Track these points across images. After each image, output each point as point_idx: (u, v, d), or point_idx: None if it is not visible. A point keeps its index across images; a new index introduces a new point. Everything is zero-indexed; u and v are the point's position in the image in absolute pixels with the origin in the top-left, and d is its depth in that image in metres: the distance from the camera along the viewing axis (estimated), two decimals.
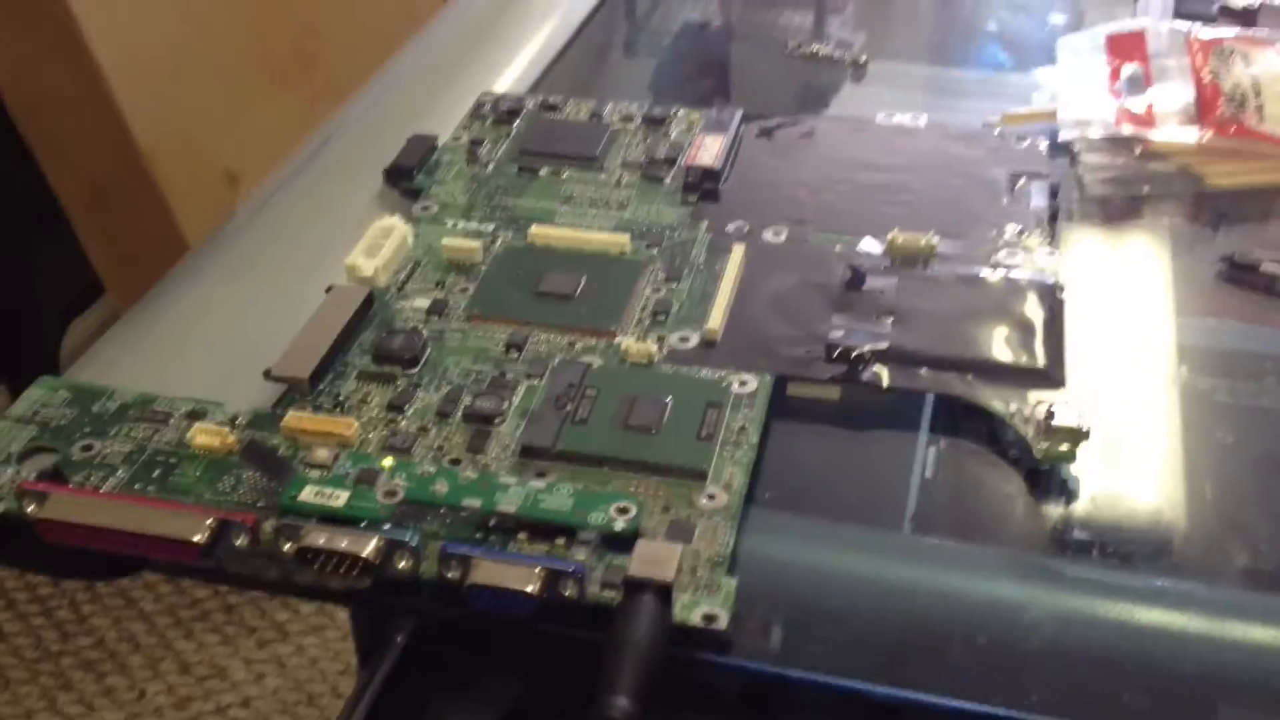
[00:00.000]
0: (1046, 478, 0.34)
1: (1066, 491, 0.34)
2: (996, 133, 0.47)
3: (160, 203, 0.96)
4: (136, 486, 0.32)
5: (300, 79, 1.04)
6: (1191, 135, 0.45)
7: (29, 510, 0.30)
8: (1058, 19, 0.59)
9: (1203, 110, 0.46)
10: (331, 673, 0.98)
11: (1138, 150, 0.45)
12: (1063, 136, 0.46)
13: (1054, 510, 0.34)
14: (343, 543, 0.29)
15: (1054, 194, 0.43)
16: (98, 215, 0.97)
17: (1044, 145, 0.46)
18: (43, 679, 0.98)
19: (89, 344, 1.19)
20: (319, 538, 0.30)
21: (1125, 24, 0.51)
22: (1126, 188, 0.45)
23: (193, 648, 1.00)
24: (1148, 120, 0.46)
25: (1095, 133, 0.46)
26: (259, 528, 0.30)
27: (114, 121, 0.93)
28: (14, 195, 1.03)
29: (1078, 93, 0.48)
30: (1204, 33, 0.50)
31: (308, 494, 0.31)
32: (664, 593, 0.29)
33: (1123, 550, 0.32)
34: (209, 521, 0.30)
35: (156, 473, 0.32)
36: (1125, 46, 0.50)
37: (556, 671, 0.41)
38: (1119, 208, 0.44)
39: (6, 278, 1.06)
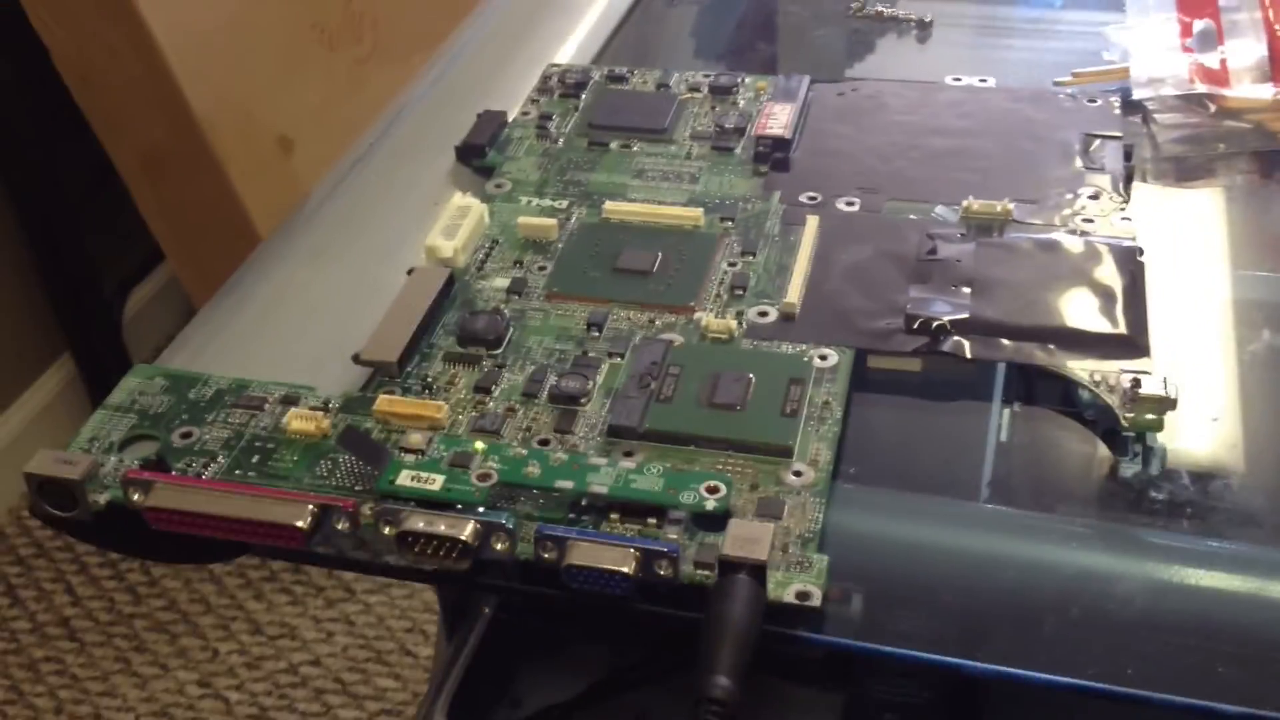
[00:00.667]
0: (1122, 441, 0.34)
1: (1143, 455, 0.34)
2: (1068, 93, 0.46)
3: (216, 169, 0.97)
4: (237, 473, 0.33)
5: (350, 41, 1.04)
6: (1266, 92, 0.45)
7: (135, 499, 0.31)
8: None
9: (1276, 66, 0.46)
10: (399, 630, 1.00)
11: (1212, 108, 0.45)
12: (1135, 95, 0.46)
13: (1131, 477, 0.34)
14: (441, 526, 0.30)
15: (1128, 155, 0.43)
16: (154, 184, 0.98)
17: (1116, 105, 0.45)
18: (117, 641, 1.01)
19: (149, 311, 1.20)
20: (418, 522, 0.30)
21: None
22: (1201, 146, 0.45)
23: (263, 608, 1.02)
24: (1221, 77, 0.46)
25: (1168, 91, 0.45)
26: (358, 512, 0.31)
27: (169, 90, 0.93)
28: (71, 167, 1.04)
29: (1149, 50, 0.47)
30: None
31: (404, 478, 0.32)
32: (758, 571, 0.29)
33: (1203, 514, 0.32)
34: (311, 507, 0.31)
35: (255, 459, 0.33)
36: (1196, 1, 0.49)
37: (642, 641, 0.42)
38: (1194, 167, 0.44)
39: (66, 249, 1.07)
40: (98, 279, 1.10)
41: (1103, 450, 0.34)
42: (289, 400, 0.35)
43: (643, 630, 0.43)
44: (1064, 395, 0.36)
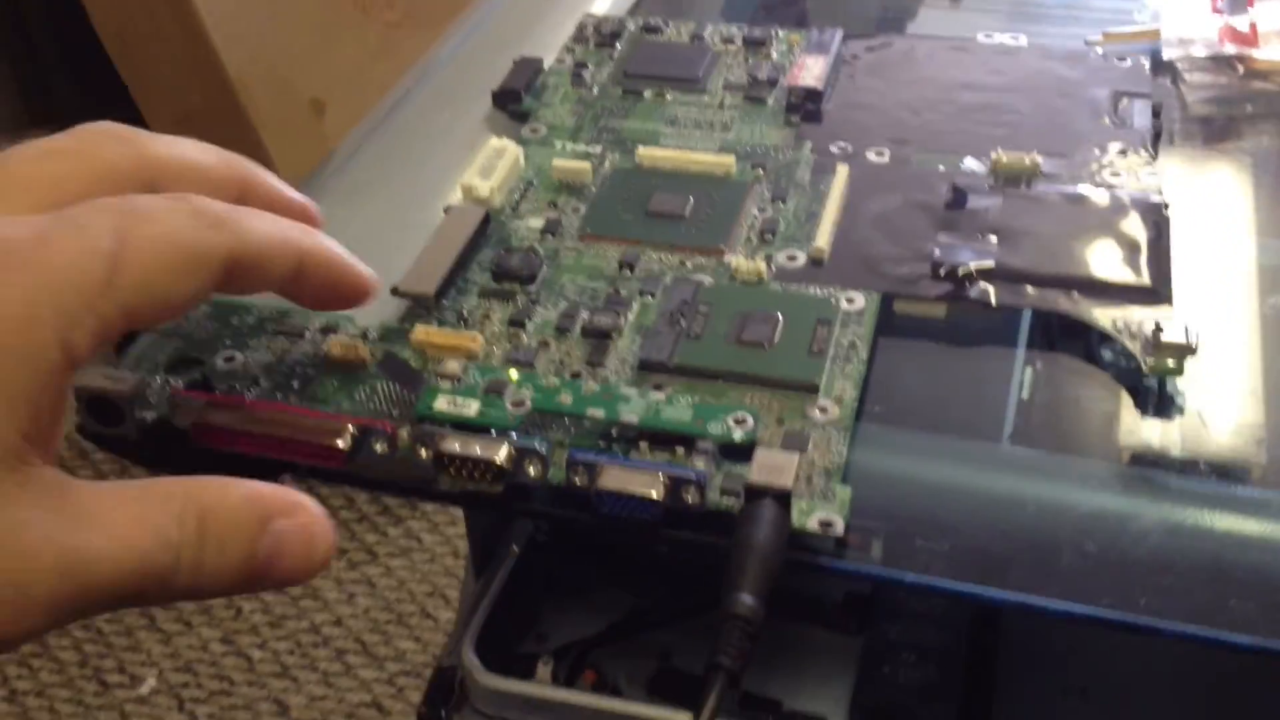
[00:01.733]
0: (1144, 394, 0.35)
1: (1163, 407, 0.35)
2: (1099, 52, 0.47)
3: (250, 132, 0.98)
4: (279, 395, 0.33)
5: (383, 6, 1.05)
6: None
7: (181, 416, 0.32)
8: None
9: None
10: (420, 594, 1.01)
11: (1241, 69, 0.45)
12: (1165, 55, 0.46)
13: (1150, 425, 0.34)
14: (477, 448, 0.31)
15: (1156, 113, 0.43)
16: None
17: (1146, 64, 0.46)
18: None
19: None
20: (454, 444, 0.31)
21: None
22: (1229, 107, 0.45)
23: None
24: (1251, 38, 0.46)
25: (1198, 51, 0.46)
26: (396, 435, 0.32)
27: (205, 53, 0.95)
28: None
29: (1180, 10, 0.48)
30: None
31: (441, 403, 0.32)
32: (783, 499, 0.30)
33: (1219, 459, 0.33)
34: (351, 428, 0.31)
35: (296, 383, 0.34)
36: None
37: (665, 586, 0.43)
38: (1222, 127, 0.44)
39: None
40: None
41: (1123, 397, 0.35)
42: (328, 329, 0.36)
43: (665, 575, 0.44)
44: (1086, 342, 0.36)
